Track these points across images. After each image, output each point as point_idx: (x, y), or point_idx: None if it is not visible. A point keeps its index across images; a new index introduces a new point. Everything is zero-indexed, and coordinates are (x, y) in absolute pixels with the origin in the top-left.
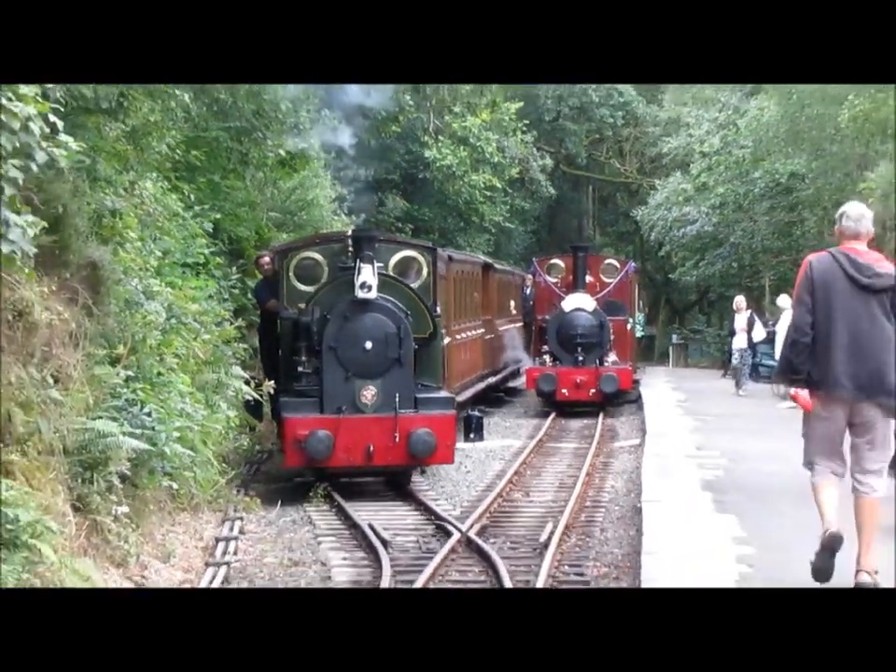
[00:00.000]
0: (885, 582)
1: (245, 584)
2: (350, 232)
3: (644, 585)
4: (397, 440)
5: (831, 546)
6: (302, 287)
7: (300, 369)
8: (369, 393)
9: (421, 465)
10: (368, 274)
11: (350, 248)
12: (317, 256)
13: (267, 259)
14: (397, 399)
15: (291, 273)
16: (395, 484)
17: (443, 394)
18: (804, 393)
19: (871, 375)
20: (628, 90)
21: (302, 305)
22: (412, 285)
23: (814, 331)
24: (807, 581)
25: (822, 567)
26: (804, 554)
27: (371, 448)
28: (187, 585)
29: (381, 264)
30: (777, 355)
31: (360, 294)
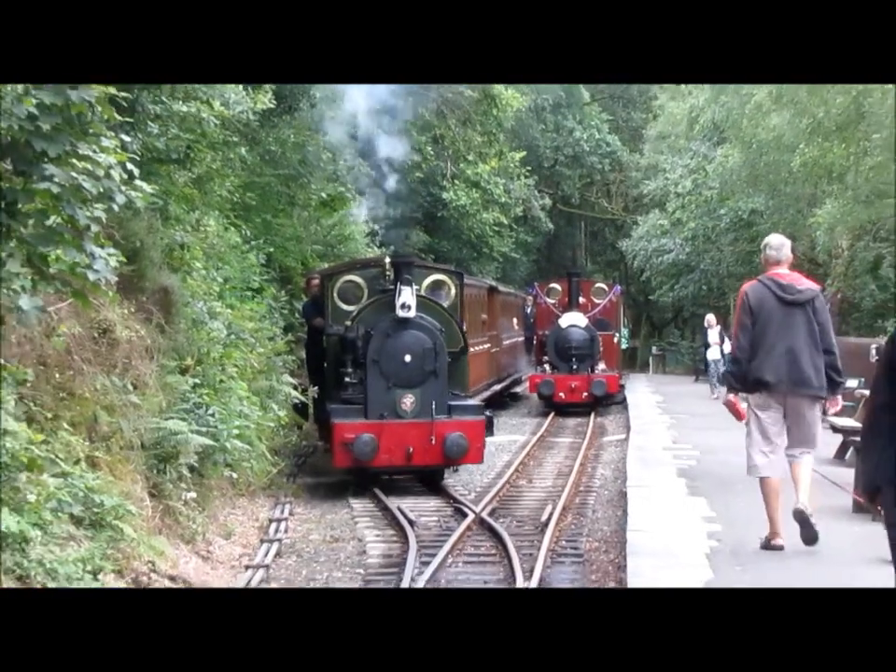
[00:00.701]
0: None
1: (294, 557)
2: (388, 259)
3: (628, 557)
4: (433, 442)
5: (772, 548)
6: (345, 307)
7: (346, 379)
8: (408, 401)
9: (454, 465)
10: (407, 296)
11: (387, 272)
12: (358, 279)
13: (316, 280)
14: (433, 406)
15: (335, 294)
16: (429, 480)
17: (474, 401)
18: (737, 399)
19: (803, 373)
20: (615, 140)
21: (348, 323)
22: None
23: (755, 345)
24: (765, 554)
25: (771, 547)
26: (761, 531)
27: (411, 450)
28: (245, 560)
29: (416, 287)
30: None
31: (401, 313)
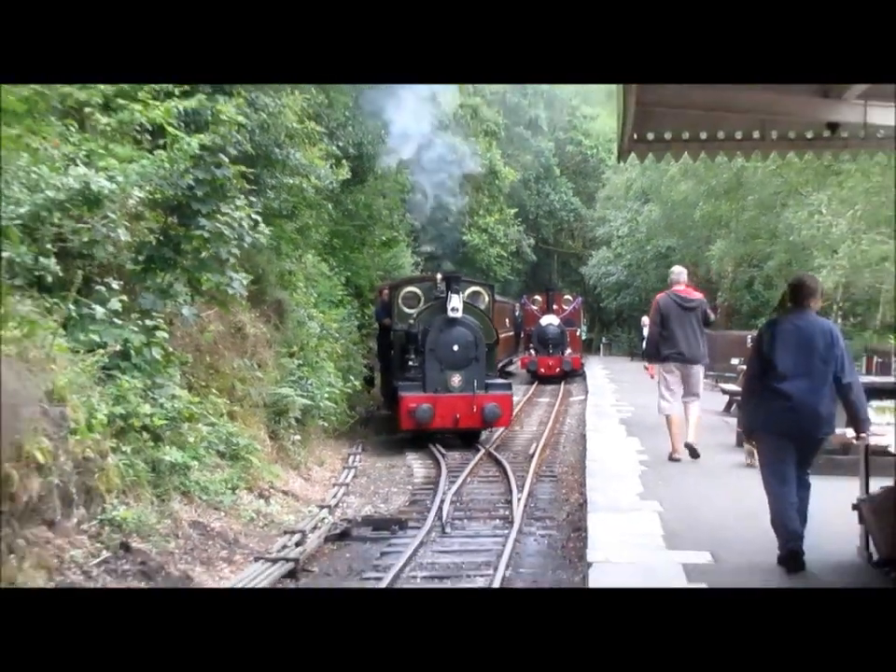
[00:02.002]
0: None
1: (364, 478)
2: (440, 275)
3: (587, 477)
4: (475, 410)
5: (674, 459)
6: (407, 310)
7: (409, 363)
8: (456, 379)
9: (490, 427)
10: (456, 301)
11: (438, 284)
12: (417, 289)
13: (386, 291)
14: (475, 384)
15: (400, 301)
16: (470, 438)
17: (505, 381)
18: (652, 366)
19: (692, 350)
20: (576, 200)
21: (411, 322)
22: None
23: (663, 333)
24: (676, 473)
25: (673, 460)
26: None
27: (458, 416)
28: (332, 480)
29: (462, 294)
30: None
31: (451, 314)
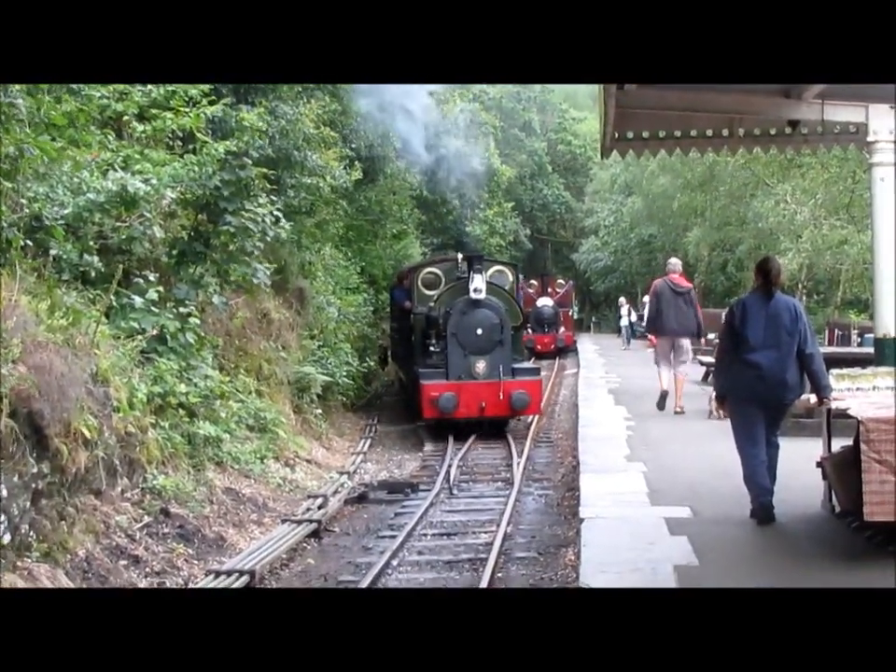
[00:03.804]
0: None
1: (380, 447)
2: (461, 255)
3: (579, 442)
4: (501, 398)
5: (663, 396)
6: (427, 292)
7: (430, 349)
8: (480, 365)
9: (518, 415)
10: (479, 282)
11: (460, 265)
12: (437, 271)
13: (406, 273)
14: (500, 370)
15: (420, 283)
16: (498, 427)
17: (534, 365)
18: (651, 337)
19: (682, 326)
20: (567, 194)
21: (431, 304)
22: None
23: (659, 313)
24: (659, 439)
25: (660, 404)
26: (658, 427)
27: (484, 404)
28: (351, 449)
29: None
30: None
31: (473, 296)
